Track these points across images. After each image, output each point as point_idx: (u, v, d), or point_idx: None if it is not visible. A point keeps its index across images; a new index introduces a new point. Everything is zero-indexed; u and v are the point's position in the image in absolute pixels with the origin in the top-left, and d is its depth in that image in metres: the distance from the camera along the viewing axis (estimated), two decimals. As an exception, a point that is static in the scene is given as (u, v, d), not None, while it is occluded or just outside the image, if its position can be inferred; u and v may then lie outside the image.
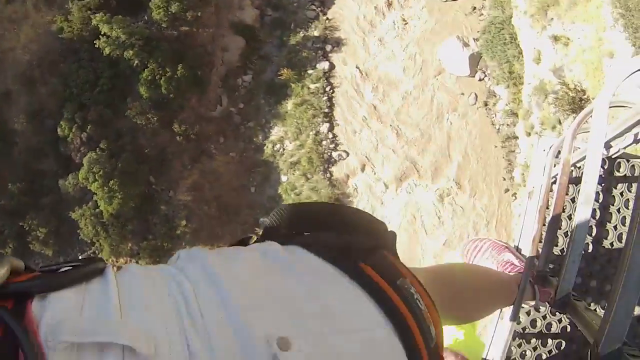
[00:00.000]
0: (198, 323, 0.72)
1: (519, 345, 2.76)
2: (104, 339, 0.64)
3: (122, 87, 16.13)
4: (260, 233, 1.11)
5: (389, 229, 1.17)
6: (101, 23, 16.15)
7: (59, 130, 16.55)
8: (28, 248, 18.13)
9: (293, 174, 15.82)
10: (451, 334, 2.43)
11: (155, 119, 15.76)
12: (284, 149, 16.00)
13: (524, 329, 2.76)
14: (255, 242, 1.05)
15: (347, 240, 1.02)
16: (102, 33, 16.12)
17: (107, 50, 15.94)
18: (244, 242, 1.04)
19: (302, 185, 15.75)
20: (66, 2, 17.47)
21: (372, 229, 1.13)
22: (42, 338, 0.62)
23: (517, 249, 2.83)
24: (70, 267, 0.76)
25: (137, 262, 16.95)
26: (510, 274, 2.33)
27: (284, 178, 15.94)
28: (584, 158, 2.32)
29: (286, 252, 0.94)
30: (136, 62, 15.84)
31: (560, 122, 12.68)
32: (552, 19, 12.38)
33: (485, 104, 15.61)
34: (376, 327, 0.84)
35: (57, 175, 16.85)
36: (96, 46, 16.15)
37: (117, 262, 17.67)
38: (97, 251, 17.37)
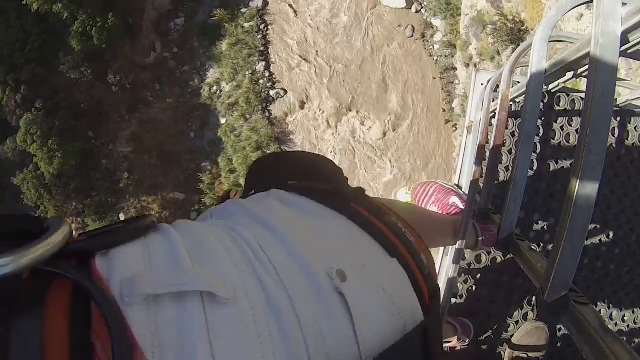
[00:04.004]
0: (266, 264, 0.77)
1: (465, 282, 2.84)
2: (183, 287, 0.67)
3: (53, 42, 16.17)
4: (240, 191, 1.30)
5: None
6: (26, -22, 16.04)
7: (-8, 94, 16.43)
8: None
9: (232, 116, 15.86)
10: None
11: (89, 71, 15.84)
12: (221, 91, 16.05)
13: (469, 264, 2.83)
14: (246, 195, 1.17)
15: (333, 186, 1.10)
16: (29, -12, 16.00)
17: (35, 6, 15.98)
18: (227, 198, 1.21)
19: (241, 126, 15.80)
20: (-13, -41, 17.33)
21: (335, 173, 1.28)
22: (117, 294, 0.63)
23: (459, 186, 2.89)
24: (121, 225, 0.78)
25: (83, 221, 16.84)
26: (454, 216, 2.45)
27: (222, 121, 16.01)
28: (523, 93, 2.40)
29: (290, 197, 1.02)
30: (66, 15, 15.84)
31: (499, 53, 12.87)
32: (487, -54, 12.43)
33: (423, 36, 15.87)
34: (388, 261, 0.90)
35: (-6, 142, 16.73)
36: (23, 3, 16.00)
37: (64, 224, 17.51)
38: (42, 214, 17.21)
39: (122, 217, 16.49)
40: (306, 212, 0.95)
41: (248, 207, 0.94)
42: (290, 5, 16.82)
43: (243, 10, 16.41)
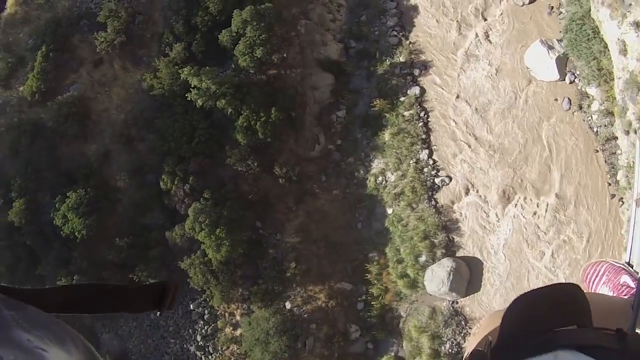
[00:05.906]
0: None
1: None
2: None
3: (218, 136, 16.70)
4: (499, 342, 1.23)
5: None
6: (190, 76, 16.83)
7: (161, 184, 17.33)
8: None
9: (398, 206, 15.97)
10: None
11: (255, 164, 16.30)
12: (386, 181, 16.20)
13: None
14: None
15: (616, 342, 1.06)
16: (193, 86, 16.74)
17: (199, 102, 16.60)
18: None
19: (408, 216, 15.90)
20: (153, 60, 18.15)
21: (583, 303, 1.28)
22: None
23: (629, 264, 2.74)
24: None
25: (248, 307, 17.36)
26: (625, 297, 2.36)
27: (389, 211, 16.14)
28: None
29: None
30: (230, 110, 16.34)
31: (658, 115, 12.25)
32: (630, 4, 12.04)
33: (580, 107, 15.61)
34: None
35: (163, 228, 17.60)
36: (188, 99, 16.70)
37: (228, 308, 18.11)
38: (207, 298, 17.87)
39: (287, 305, 16.83)
40: None
41: None
42: (446, 88, 16.76)
43: (402, 98, 16.46)
